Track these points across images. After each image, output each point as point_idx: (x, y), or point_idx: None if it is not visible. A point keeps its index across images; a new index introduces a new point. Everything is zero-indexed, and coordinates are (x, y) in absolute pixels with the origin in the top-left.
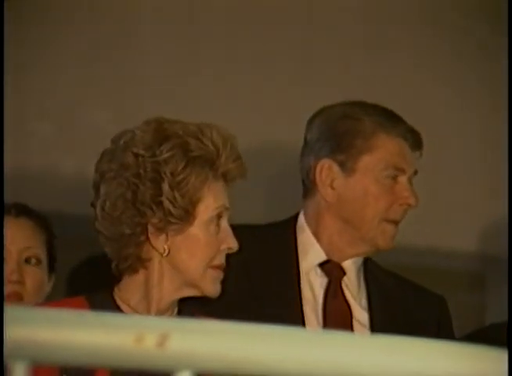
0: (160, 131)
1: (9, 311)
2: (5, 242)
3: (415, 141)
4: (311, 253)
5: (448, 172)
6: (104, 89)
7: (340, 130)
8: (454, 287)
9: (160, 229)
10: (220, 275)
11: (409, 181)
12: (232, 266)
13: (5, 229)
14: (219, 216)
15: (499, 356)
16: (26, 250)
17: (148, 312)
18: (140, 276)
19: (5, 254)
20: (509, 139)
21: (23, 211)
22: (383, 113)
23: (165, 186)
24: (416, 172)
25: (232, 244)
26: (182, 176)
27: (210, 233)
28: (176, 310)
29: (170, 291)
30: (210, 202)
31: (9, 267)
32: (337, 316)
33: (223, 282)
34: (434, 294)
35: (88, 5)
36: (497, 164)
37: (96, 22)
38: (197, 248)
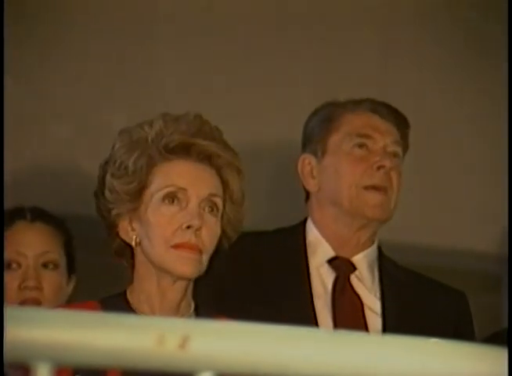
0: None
1: (32, 313)
2: (21, 247)
3: (388, 112)
4: (319, 251)
5: (467, 174)
6: (119, 91)
7: (310, 125)
8: (470, 287)
9: (119, 220)
10: (189, 254)
11: (386, 150)
12: (244, 271)
13: (20, 235)
14: (173, 196)
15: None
16: (42, 255)
17: (152, 310)
18: (134, 272)
19: (22, 260)
20: None
21: (38, 215)
22: (349, 100)
23: (107, 177)
24: (405, 147)
25: (190, 222)
26: (119, 162)
27: (162, 213)
28: (193, 310)
29: (153, 282)
30: (158, 183)
31: (26, 273)
32: (347, 309)
33: (231, 282)
34: (454, 290)
35: (104, 9)
36: None
37: (113, 26)
38: (151, 231)
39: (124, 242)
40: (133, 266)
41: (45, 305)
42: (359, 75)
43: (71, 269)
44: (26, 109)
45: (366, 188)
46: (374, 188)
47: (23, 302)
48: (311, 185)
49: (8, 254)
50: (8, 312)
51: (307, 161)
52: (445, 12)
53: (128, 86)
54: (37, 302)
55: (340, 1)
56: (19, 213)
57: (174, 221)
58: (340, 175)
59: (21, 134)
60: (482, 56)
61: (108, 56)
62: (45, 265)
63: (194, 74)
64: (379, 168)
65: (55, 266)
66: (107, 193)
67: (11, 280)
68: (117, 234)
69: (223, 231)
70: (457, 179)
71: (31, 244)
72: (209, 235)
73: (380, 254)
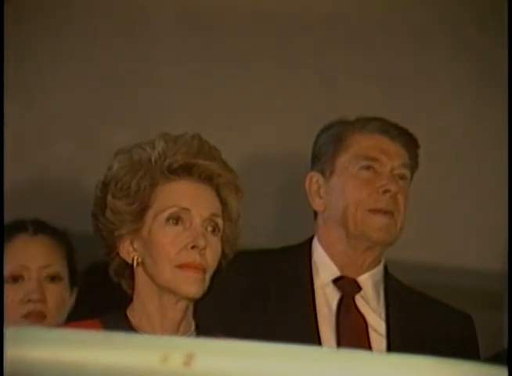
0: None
1: (36, 332)
2: (23, 260)
3: (397, 133)
4: (325, 270)
5: (471, 193)
6: (119, 109)
7: (319, 142)
8: (475, 305)
9: (120, 240)
10: (195, 274)
11: (393, 172)
12: (248, 290)
13: (23, 248)
14: (176, 217)
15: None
16: (46, 268)
17: (152, 329)
18: (134, 292)
19: (25, 273)
20: None
21: (40, 228)
22: (359, 118)
23: (109, 197)
24: (413, 168)
25: (195, 242)
26: (121, 183)
27: (166, 234)
28: (193, 329)
29: (154, 300)
30: (161, 204)
31: (30, 286)
32: (350, 330)
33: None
34: (460, 311)
35: (109, 25)
36: None
37: (116, 41)
38: (155, 251)
39: (125, 262)
40: (132, 286)
41: (49, 317)
42: (363, 89)
43: (73, 281)
44: (27, 126)
45: (372, 211)
46: (380, 211)
47: (27, 315)
48: (318, 204)
49: (10, 268)
50: (10, 332)
51: (314, 179)
52: (444, 26)
53: (128, 104)
54: (41, 315)
55: (340, 20)
56: (20, 226)
57: (179, 241)
58: (347, 196)
59: (23, 150)
60: (485, 66)
61: (108, 74)
62: (48, 278)
63: (196, 90)
64: (385, 191)
65: (59, 279)
66: (109, 214)
67: (14, 294)
68: (117, 254)
69: (222, 249)
70: (461, 197)
71: (34, 256)
72: (212, 254)
73: (386, 275)
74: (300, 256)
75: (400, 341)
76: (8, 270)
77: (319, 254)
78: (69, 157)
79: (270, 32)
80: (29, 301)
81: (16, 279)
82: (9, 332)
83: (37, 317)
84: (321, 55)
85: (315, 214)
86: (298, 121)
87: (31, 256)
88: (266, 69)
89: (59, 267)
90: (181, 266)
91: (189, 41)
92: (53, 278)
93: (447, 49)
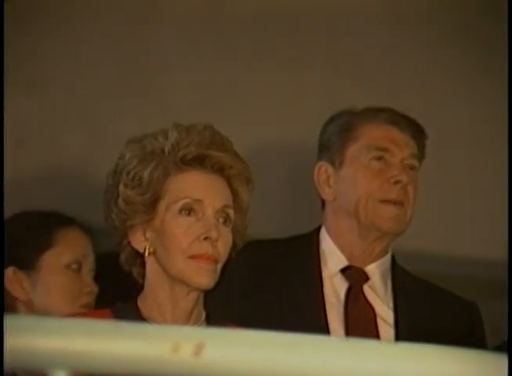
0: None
1: (50, 322)
2: (78, 251)
3: (406, 124)
4: (332, 260)
5: (473, 183)
6: (130, 100)
7: (327, 133)
8: (481, 294)
9: (132, 229)
10: (207, 265)
11: (403, 162)
12: (257, 280)
13: (75, 239)
14: (189, 208)
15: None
16: (93, 263)
17: (163, 318)
18: (145, 281)
19: (83, 264)
20: None
21: (83, 226)
22: (367, 109)
23: (121, 187)
24: (421, 158)
25: (207, 233)
26: (133, 173)
27: (179, 225)
28: (204, 318)
29: (165, 290)
30: (174, 195)
31: (87, 278)
32: (359, 319)
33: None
34: (467, 300)
35: (114, 18)
36: None
37: (122, 33)
38: (168, 241)
39: (136, 251)
40: (143, 275)
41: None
42: (369, 77)
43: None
44: (39, 119)
45: (383, 201)
46: (391, 202)
47: (84, 307)
48: (327, 194)
49: (74, 255)
50: (25, 321)
51: (323, 169)
52: (449, 13)
53: (138, 95)
54: (90, 306)
55: (347, 7)
56: (73, 219)
57: (191, 232)
58: (357, 187)
59: (34, 141)
60: (488, 57)
61: (118, 65)
62: (92, 270)
63: (204, 81)
64: (396, 182)
65: (94, 270)
66: (121, 204)
67: (73, 284)
68: (129, 243)
69: (232, 240)
70: (467, 187)
71: (86, 248)
72: (224, 246)
73: (394, 264)
74: (308, 246)
75: (408, 331)
76: (72, 256)
77: (327, 244)
78: (79, 148)
79: (278, 23)
80: (88, 293)
81: (79, 267)
82: (8, 320)
83: (89, 308)
84: (328, 45)
85: (323, 203)
86: (304, 110)
87: (87, 249)
88: (274, 61)
89: (93, 258)
90: (193, 257)
91: (198, 32)
92: (92, 269)
93: (455, 38)
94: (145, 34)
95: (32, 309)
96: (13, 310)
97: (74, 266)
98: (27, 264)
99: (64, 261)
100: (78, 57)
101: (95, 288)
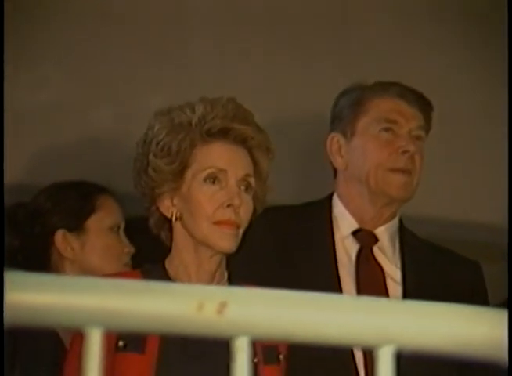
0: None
1: (85, 282)
2: (116, 217)
3: (414, 97)
4: (344, 223)
5: (475, 151)
6: (157, 76)
7: (339, 105)
8: (482, 257)
9: (161, 196)
10: (230, 230)
11: (411, 134)
12: (274, 242)
13: (111, 206)
14: (213, 177)
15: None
16: (123, 226)
17: (188, 279)
18: (173, 244)
19: (120, 226)
20: None
21: (103, 188)
22: (377, 83)
23: (151, 156)
24: (428, 129)
25: (231, 201)
26: (162, 144)
27: (204, 192)
28: (226, 278)
29: (191, 253)
30: (200, 164)
31: (125, 240)
32: (369, 278)
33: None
34: (469, 260)
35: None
36: None
37: (149, 14)
38: (194, 208)
39: (164, 216)
40: (171, 238)
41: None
42: (379, 52)
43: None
44: (70, 95)
45: (392, 170)
46: (399, 170)
47: (125, 265)
48: (339, 163)
49: (115, 218)
50: (64, 281)
51: (335, 139)
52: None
53: (163, 70)
54: (130, 265)
55: None
56: (94, 186)
57: (215, 199)
58: (368, 156)
59: (65, 115)
60: (491, 43)
61: (145, 42)
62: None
63: (223, 55)
64: (404, 152)
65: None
66: (151, 172)
67: (116, 245)
68: (157, 209)
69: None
70: (468, 154)
71: (118, 211)
72: (245, 212)
73: (401, 227)
74: (321, 211)
75: (415, 288)
76: (113, 219)
77: (339, 209)
78: (108, 121)
79: (293, 6)
80: (127, 252)
81: (118, 229)
82: (8, 276)
83: (129, 267)
84: (339, 23)
85: (335, 172)
86: (317, 83)
87: (120, 213)
88: (288, 35)
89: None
90: (217, 223)
91: (220, 14)
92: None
93: (459, 14)
94: (172, 17)
95: (79, 268)
96: (61, 269)
97: (115, 229)
98: (76, 227)
99: (107, 224)
100: (110, 38)
101: (132, 249)
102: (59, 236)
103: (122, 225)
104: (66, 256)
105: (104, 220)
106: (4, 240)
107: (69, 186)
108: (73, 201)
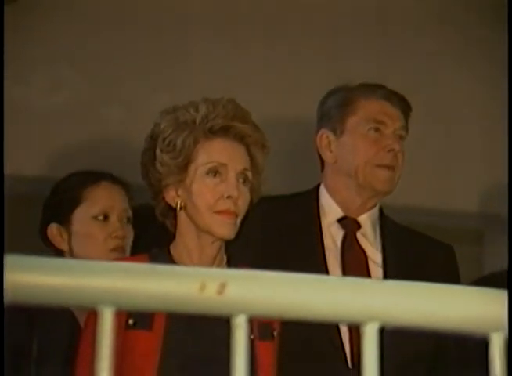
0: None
1: (98, 265)
2: (111, 203)
3: (397, 100)
4: (330, 212)
5: (452, 139)
6: (163, 78)
7: (326, 105)
8: (455, 241)
9: (167, 187)
10: (230, 219)
11: (395, 133)
12: (266, 230)
13: (109, 192)
14: (215, 170)
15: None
16: (124, 211)
17: (191, 262)
18: (177, 231)
19: (111, 214)
20: (509, 109)
21: (116, 179)
22: (362, 84)
23: (157, 151)
24: (406, 129)
25: (230, 192)
26: (168, 140)
27: (206, 184)
28: (225, 261)
29: (194, 239)
30: (202, 159)
31: (116, 225)
32: (353, 261)
33: (248, 232)
34: (444, 243)
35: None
36: (496, 132)
37: (154, 19)
38: (196, 199)
39: (169, 205)
40: (175, 226)
41: (126, 252)
42: (364, 56)
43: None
44: (83, 93)
45: (378, 166)
46: (385, 166)
47: (113, 250)
48: (329, 157)
49: (100, 207)
50: (82, 264)
51: (325, 136)
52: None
53: (169, 72)
54: (122, 250)
55: None
56: (102, 174)
57: (217, 191)
58: (357, 153)
59: (78, 114)
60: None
61: (153, 46)
62: (126, 219)
63: (223, 59)
64: (390, 150)
65: (129, 220)
66: (158, 166)
67: (103, 230)
68: (163, 199)
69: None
70: (459, 146)
71: (118, 200)
72: (243, 203)
73: (381, 215)
74: (309, 200)
75: (394, 270)
76: (98, 209)
77: (326, 199)
78: (118, 119)
79: (288, 11)
80: (115, 237)
81: (106, 217)
82: (8, 259)
83: (119, 251)
84: (327, 29)
85: (322, 165)
86: (305, 88)
87: (116, 200)
88: (280, 35)
89: (130, 211)
90: (218, 213)
91: (218, 17)
92: (128, 219)
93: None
94: (175, 19)
95: (74, 258)
96: None
97: (100, 217)
98: (64, 219)
99: (91, 213)
100: (121, 43)
101: (124, 233)
102: (53, 229)
103: (116, 211)
104: (61, 248)
105: (88, 210)
106: (3, 245)
107: (63, 181)
108: (63, 195)
